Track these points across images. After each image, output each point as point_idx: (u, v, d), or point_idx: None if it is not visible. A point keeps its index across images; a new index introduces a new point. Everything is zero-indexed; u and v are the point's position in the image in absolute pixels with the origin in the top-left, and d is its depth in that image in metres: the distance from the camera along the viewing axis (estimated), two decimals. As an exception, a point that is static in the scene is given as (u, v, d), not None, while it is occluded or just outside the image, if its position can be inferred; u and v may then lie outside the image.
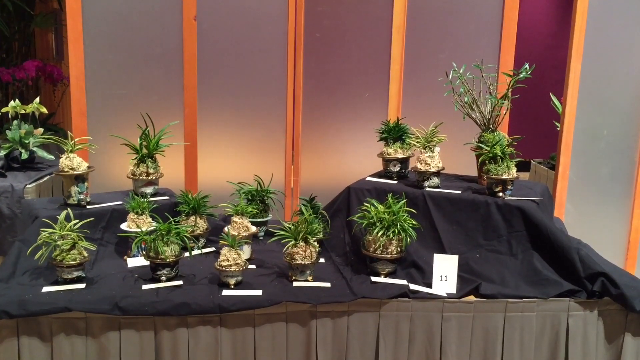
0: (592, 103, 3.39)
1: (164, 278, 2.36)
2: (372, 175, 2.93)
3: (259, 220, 2.85)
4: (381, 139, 2.94)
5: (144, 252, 2.40)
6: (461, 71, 2.84)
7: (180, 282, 2.36)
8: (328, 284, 2.41)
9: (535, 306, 2.35)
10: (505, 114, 2.88)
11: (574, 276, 2.42)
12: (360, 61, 3.45)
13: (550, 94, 4.21)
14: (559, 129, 3.46)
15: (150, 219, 2.59)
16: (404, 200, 2.53)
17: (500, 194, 2.62)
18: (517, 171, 2.68)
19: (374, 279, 2.45)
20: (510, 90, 2.79)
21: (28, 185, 3.16)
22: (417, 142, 2.79)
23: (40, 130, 3.60)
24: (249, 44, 3.33)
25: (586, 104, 3.38)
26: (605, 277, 2.36)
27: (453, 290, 2.39)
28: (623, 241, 3.53)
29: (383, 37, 3.38)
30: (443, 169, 2.77)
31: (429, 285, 2.41)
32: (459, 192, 2.71)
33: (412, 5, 3.37)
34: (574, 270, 2.42)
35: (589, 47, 3.35)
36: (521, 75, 2.77)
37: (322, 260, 2.64)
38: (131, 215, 2.59)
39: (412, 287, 2.39)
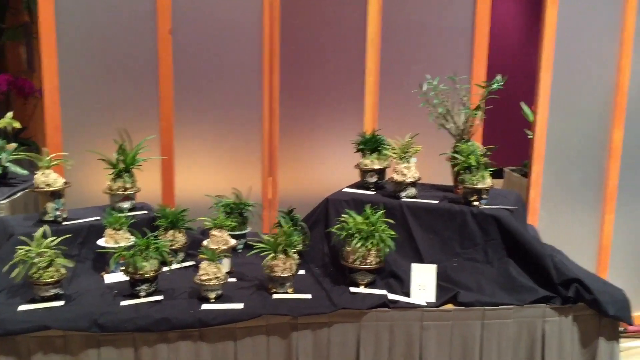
0: (563, 112, 3.47)
1: (143, 293, 2.35)
2: (350, 187, 2.96)
3: (237, 233, 2.85)
4: (358, 150, 2.97)
5: (122, 268, 2.39)
6: (435, 82, 2.89)
7: (160, 297, 2.35)
8: (308, 296, 2.42)
9: (511, 313, 2.40)
10: (478, 125, 2.94)
11: (549, 283, 2.47)
12: (336, 73, 3.48)
13: (521, 103, 4.29)
14: (530, 137, 3.53)
15: (128, 234, 2.58)
16: (382, 211, 2.56)
17: (476, 203, 2.66)
18: (491, 179, 2.73)
19: (353, 289, 2.47)
20: (483, 101, 2.85)
21: (1, 202, 3.10)
22: (394, 153, 2.83)
23: (13, 145, 3.55)
24: (224, 56, 3.34)
25: (557, 113, 3.46)
26: (579, 283, 2.42)
27: (432, 299, 2.43)
28: (595, 247, 3.62)
29: (358, 49, 3.42)
30: (419, 179, 2.81)
31: (408, 295, 2.44)
32: (436, 201, 2.75)
33: (386, 18, 3.42)
34: (549, 277, 2.47)
35: (558, 57, 3.44)
36: (493, 87, 2.83)
37: (301, 271, 2.65)
38: (109, 231, 2.57)
39: (392, 297, 2.42)
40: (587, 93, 3.53)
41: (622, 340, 3.52)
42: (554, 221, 3.53)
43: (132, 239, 2.52)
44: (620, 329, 3.15)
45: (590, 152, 3.55)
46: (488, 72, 3.50)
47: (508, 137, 5.36)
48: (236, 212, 2.90)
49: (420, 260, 2.62)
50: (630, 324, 2.45)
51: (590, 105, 3.55)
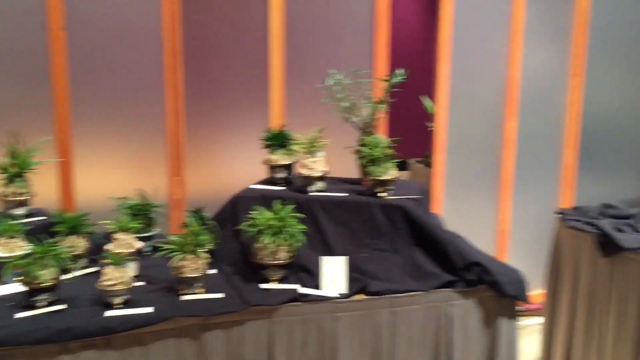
0: (462, 104, 3.63)
1: (43, 303, 2.22)
2: (258, 183, 2.94)
3: (144, 235, 2.75)
4: (266, 146, 2.96)
5: (18, 278, 2.25)
6: (339, 77, 2.92)
7: (61, 307, 2.23)
8: (219, 295, 2.39)
9: (419, 299, 2.47)
10: (383, 118, 3.00)
11: (453, 268, 2.57)
12: (241, 69, 3.46)
13: (421, 96, 4.45)
14: (430, 129, 3.67)
15: (23, 242, 2.43)
16: (291, 206, 2.56)
17: (382, 194, 2.73)
18: (397, 171, 2.80)
19: (265, 286, 2.46)
20: (386, 95, 2.92)
21: None
22: (301, 148, 2.83)
23: None
24: (123, 53, 3.24)
25: (456, 105, 3.62)
26: (480, 267, 2.53)
27: (343, 291, 2.46)
28: (495, 231, 3.81)
29: (262, 44, 3.41)
30: (328, 172, 2.83)
31: (320, 288, 2.46)
32: (344, 194, 2.78)
33: (290, 14, 3.42)
34: (452, 262, 2.57)
35: (456, 52, 3.59)
36: (395, 80, 2.90)
37: (213, 271, 2.61)
38: (2, 240, 2.42)
39: (303, 290, 2.43)
40: (484, 85, 3.71)
41: (523, 318, 3.74)
42: (457, 209, 3.69)
43: (29, 246, 2.38)
44: (522, 308, 3.34)
45: (487, 142, 3.74)
46: (393, 66, 3.59)
47: (412, 129, 5.55)
48: (142, 213, 2.81)
49: (331, 253, 2.64)
50: (527, 303, 2.58)
51: (487, 97, 3.73)
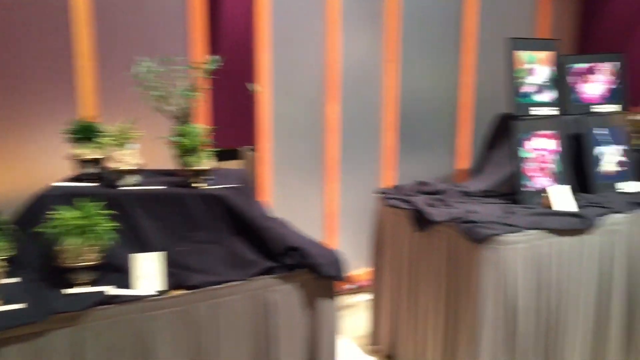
0: (285, 91, 3.65)
1: None
2: (66, 180, 2.72)
3: None
4: (72, 140, 2.74)
5: None
6: (150, 64, 2.78)
7: None
8: (19, 305, 2.17)
9: (239, 288, 2.44)
10: (202, 106, 2.92)
11: (274, 254, 2.57)
12: (43, 58, 3.17)
13: (246, 83, 4.42)
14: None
15: None
16: (99, 203, 2.40)
17: (200, 184, 2.65)
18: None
19: (70, 291, 2.28)
20: (202, 82, 2.83)
21: None
22: (111, 140, 2.66)
23: None
24: None
25: (280, 93, 3.63)
26: (299, 251, 2.56)
27: (159, 288, 2.36)
28: (323, 215, 3.90)
29: (65, 31, 3.15)
30: (143, 165, 2.69)
31: (134, 287, 2.34)
32: (160, 187, 2.66)
33: (98, -1, 3.21)
34: (273, 249, 2.57)
35: (276, 40, 3.59)
36: (209, 67, 2.82)
37: (14, 279, 2.37)
38: None
39: (114, 291, 2.29)
40: (305, 71, 3.77)
41: (352, 296, 3.88)
42: (286, 195, 3.72)
43: None
44: (353, 286, 3.44)
45: (312, 127, 3.80)
46: (221, 54, 3.50)
47: (245, 118, 5.52)
48: None
49: (148, 249, 2.52)
50: (345, 282, 2.66)
51: (309, 83, 3.79)
